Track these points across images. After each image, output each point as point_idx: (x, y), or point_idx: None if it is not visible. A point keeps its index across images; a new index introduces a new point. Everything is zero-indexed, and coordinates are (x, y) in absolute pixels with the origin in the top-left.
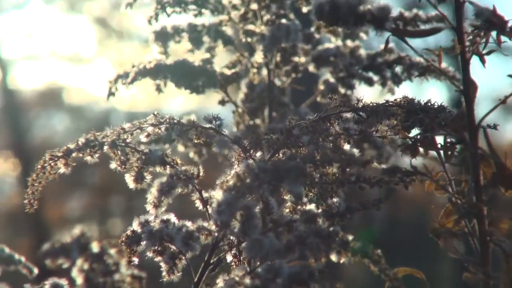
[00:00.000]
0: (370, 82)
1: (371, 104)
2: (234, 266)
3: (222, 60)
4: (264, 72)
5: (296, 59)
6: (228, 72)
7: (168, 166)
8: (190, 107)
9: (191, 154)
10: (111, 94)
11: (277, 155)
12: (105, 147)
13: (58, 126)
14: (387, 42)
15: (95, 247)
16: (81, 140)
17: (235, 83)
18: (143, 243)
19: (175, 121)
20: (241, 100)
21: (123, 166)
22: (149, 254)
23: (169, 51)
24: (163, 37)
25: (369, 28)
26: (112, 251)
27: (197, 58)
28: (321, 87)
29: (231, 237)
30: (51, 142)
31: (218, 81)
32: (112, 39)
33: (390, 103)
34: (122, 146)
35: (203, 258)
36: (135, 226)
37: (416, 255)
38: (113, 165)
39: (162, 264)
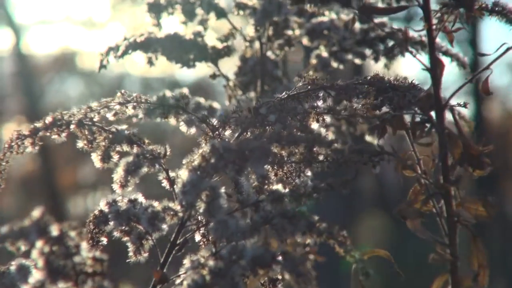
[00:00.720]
0: (362, 57)
1: (340, 82)
2: (203, 246)
3: (215, 33)
4: (257, 45)
5: (289, 32)
6: (219, 45)
7: (135, 146)
8: (204, 72)
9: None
10: (102, 66)
11: (245, 134)
12: (72, 126)
13: (72, 91)
14: (353, 20)
15: (54, 230)
16: (48, 119)
17: (226, 57)
18: (111, 223)
19: (142, 99)
20: (234, 73)
21: (90, 145)
22: (116, 234)
23: (163, 23)
24: (156, 8)
25: (336, 5)
26: (73, 233)
27: (189, 31)
28: (314, 61)
29: (200, 217)
30: (64, 107)
31: (209, 55)
32: (126, 3)
33: (360, 81)
34: (89, 125)
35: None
36: (103, 205)
37: None
38: (80, 144)
39: (129, 244)
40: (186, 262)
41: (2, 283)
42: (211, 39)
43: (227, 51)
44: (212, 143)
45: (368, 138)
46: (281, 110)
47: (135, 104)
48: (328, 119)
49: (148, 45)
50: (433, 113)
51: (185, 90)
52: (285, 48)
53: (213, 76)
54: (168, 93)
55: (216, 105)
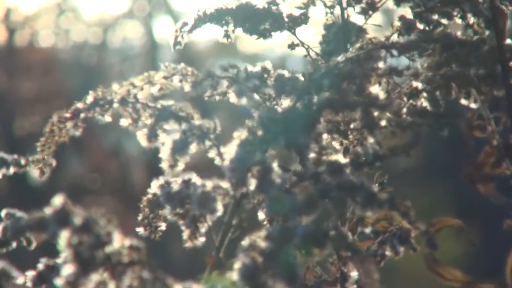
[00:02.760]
0: (449, 16)
1: (402, 40)
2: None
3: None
4: (337, 11)
5: None
6: (295, 13)
7: (183, 122)
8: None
9: None
10: (177, 43)
11: (300, 102)
12: (115, 105)
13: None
14: None
15: (78, 218)
16: (89, 99)
17: (304, 25)
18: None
19: (189, 71)
20: (319, 43)
21: (135, 124)
22: (171, 217)
23: None
24: None
25: None
26: (102, 221)
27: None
28: (397, 23)
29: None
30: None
31: (285, 24)
32: None
33: (424, 38)
34: (132, 103)
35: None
36: (155, 188)
37: None
38: (124, 122)
39: (183, 228)
40: (242, 244)
41: (51, 278)
42: (287, 7)
43: (304, 19)
44: (258, 114)
45: (463, 101)
46: (337, 74)
47: (181, 77)
48: (419, 85)
49: (218, 17)
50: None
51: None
52: (369, 12)
53: (292, 46)
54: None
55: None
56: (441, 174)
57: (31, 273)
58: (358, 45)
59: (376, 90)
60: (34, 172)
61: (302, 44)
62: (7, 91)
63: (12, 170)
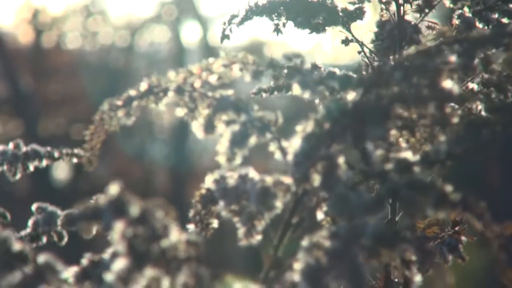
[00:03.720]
0: (510, 15)
1: (475, 34)
2: (325, 226)
3: None
4: (393, 7)
5: None
6: (351, 7)
7: (242, 113)
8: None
9: None
10: (225, 36)
11: (368, 95)
12: (171, 93)
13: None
14: None
15: (135, 208)
16: (143, 86)
17: (359, 20)
18: (220, 202)
19: (250, 60)
20: (371, 40)
21: (191, 114)
22: (225, 214)
23: None
24: None
25: None
26: (159, 213)
27: None
28: (455, 21)
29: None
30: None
31: (339, 18)
32: None
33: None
34: (189, 91)
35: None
36: (210, 183)
37: None
38: (180, 112)
39: (239, 226)
40: (304, 244)
41: (96, 273)
42: (341, 1)
43: (359, 13)
44: (326, 105)
45: None
46: (408, 68)
47: (241, 65)
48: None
49: (271, 8)
50: None
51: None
52: (425, 10)
53: (345, 42)
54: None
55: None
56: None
57: (74, 269)
58: (429, 39)
59: (449, 85)
60: (59, 172)
61: (356, 40)
62: (33, 92)
63: (44, 162)
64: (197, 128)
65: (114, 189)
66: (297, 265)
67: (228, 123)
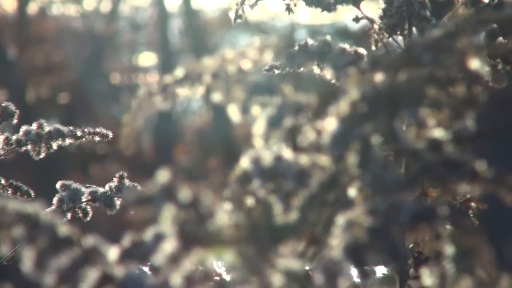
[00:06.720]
0: None
1: (501, 15)
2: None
3: None
4: None
5: None
6: None
7: (277, 96)
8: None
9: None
10: (238, 17)
11: (396, 77)
12: (206, 78)
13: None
14: None
15: (185, 193)
16: (180, 72)
17: None
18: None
19: (282, 46)
20: (379, 16)
21: (226, 98)
22: (262, 193)
23: None
24: None
25: None
26: (205, 196)
27: None
28: None
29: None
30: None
31: None
32: None
33: None
34: (225, 76)
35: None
36: (246, 163)
37: None
38: (216, 97)
39: (275, 204)
40: (339, 221)
41: (137, 254)
42: None
43: None
44: (361, 88)
45: None
46: (436, 49)
47: (274, 50)
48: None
49: None
50: None
51: (328, 37)
52: None
53: (356, 20)
54: (310, 41)
55: (362, 50)
56: None
57: (116, 250)
58: (453, 19)
59: (476, 66)
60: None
61: (367, 18)
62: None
63: (68, 141)
64: (232, 111)
65: (164, 175)
66: (335, 242)
67: (264, 105)
